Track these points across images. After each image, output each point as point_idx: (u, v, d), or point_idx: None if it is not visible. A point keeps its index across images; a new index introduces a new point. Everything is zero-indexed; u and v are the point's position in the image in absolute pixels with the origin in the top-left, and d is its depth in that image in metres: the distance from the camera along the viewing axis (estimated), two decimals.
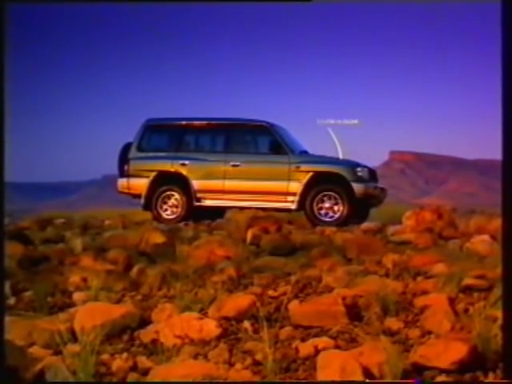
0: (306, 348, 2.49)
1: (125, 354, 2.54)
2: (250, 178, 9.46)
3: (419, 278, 3.78)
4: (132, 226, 7.78)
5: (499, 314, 2.36)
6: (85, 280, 4.02)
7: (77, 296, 3.62)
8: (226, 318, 2.95)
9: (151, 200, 9.73)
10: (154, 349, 2.59)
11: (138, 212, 10.77)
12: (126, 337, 2.84)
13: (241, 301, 3.06)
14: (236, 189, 9.54)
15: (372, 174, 9.69)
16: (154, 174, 9.79)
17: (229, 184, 9.56)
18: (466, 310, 2.91)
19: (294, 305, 3.04)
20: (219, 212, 9.77)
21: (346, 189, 9.00)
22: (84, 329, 2.65)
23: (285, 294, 3.41)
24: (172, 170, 9.80)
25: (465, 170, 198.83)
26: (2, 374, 2.15)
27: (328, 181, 9.13)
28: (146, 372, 2.34)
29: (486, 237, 5.30)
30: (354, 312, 2.95)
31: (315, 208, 9.06)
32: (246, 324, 2.88)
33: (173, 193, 9.76)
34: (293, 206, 9.26)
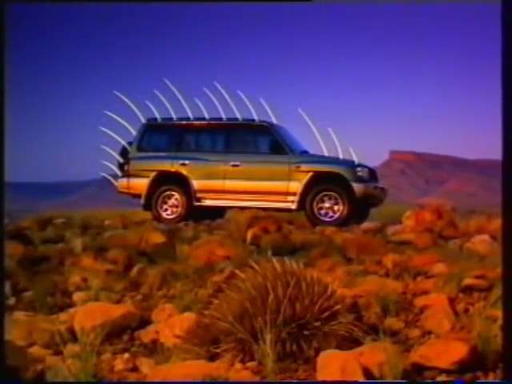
0: None
1: (125, 354, 2.54)
2: (250, 177, 9.47)
3: (419, 278, 3.78)
4: (132, 226, 7.77)
5: (499, 313, 2.36)
6: (85, 280, 4.02)
7: (77, 296, 3.62)
8: None
9: (151, 200, 9.74)
10: (154, 349, 2.59)
11: (138, 212, 10.77)
12: (126, 337, 2.84)
13: None
14: (236, 189, 9.54)
15: (372, 174, 9.70)
16: (154, 173, 9.80)
17: (229, 184, 9.56)
18: (466, 310, 2.91)
19: None
20: (219, 212, 9.77)
21: (346, 189, 9.00)
22: (84, 329, 2.64)
23: None
24: (172, 169, 9.81)
25: (465, 169, 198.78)
26: (1, 374, 2.14)
27: (328, 181, 9.14)
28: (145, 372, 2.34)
29: (486, 237, 5.31)
30: (354, 312, 2.95)
31: (315, 208, 9.06)
32: None
33: (173, 193, 9.76)
34: (293, 206, 9.26)
